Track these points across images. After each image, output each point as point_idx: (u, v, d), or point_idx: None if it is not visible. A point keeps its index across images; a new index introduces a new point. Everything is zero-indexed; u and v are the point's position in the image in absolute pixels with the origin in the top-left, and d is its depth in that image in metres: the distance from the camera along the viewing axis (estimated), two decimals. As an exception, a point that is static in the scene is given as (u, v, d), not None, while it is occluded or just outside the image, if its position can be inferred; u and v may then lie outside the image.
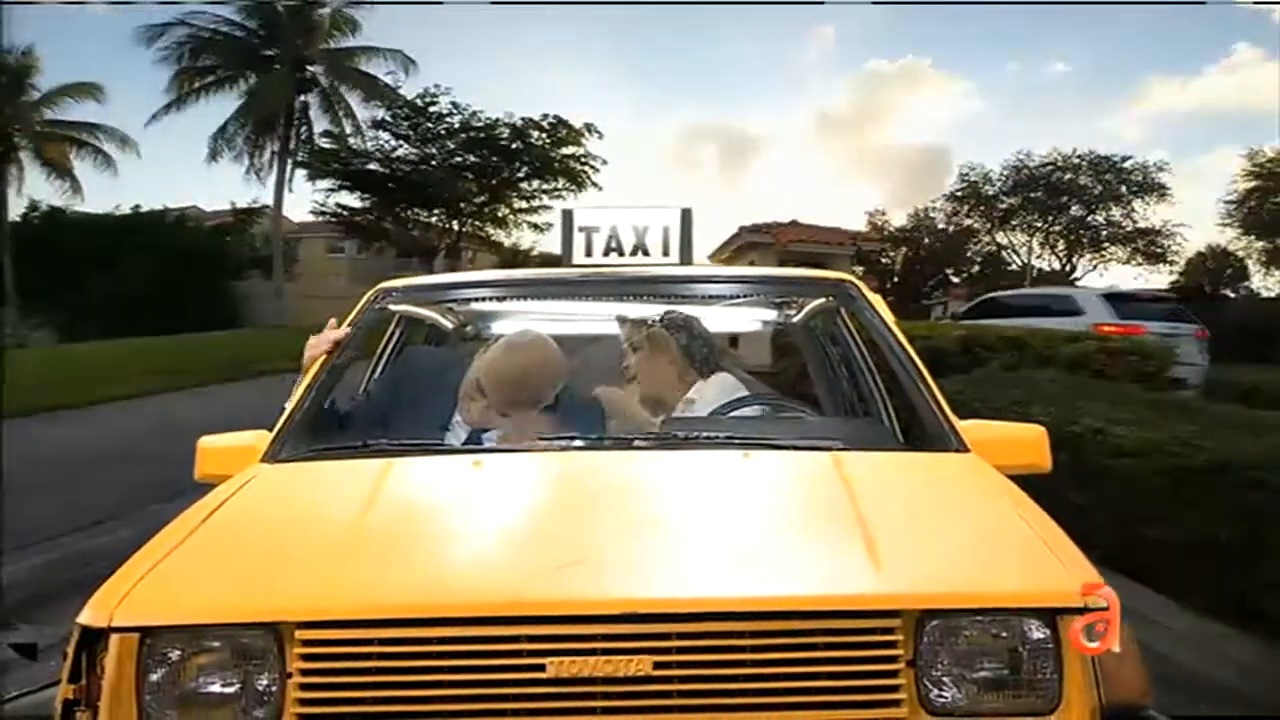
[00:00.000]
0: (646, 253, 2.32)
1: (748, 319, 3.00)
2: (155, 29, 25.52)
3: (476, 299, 2.51)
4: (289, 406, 1.99)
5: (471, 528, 1.51)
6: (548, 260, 31.13)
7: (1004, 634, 1.24)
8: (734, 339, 4.76)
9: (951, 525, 1.50)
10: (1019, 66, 51.82)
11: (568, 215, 2.34)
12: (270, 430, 1.93)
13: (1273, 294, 27.00)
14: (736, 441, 1.82)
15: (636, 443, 1.93)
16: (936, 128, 58.79)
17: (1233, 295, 28.69)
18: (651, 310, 2.42)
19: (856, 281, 2.34)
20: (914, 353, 2.04)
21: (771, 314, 2.91)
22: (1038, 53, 52.33)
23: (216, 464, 1.91)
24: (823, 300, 2.53)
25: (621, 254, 2.32)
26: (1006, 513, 1.48)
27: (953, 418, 1.88)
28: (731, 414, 2.13)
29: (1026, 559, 1.31)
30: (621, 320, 2.44)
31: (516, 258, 31.62)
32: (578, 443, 1.91)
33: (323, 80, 27.64)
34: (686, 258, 2.34)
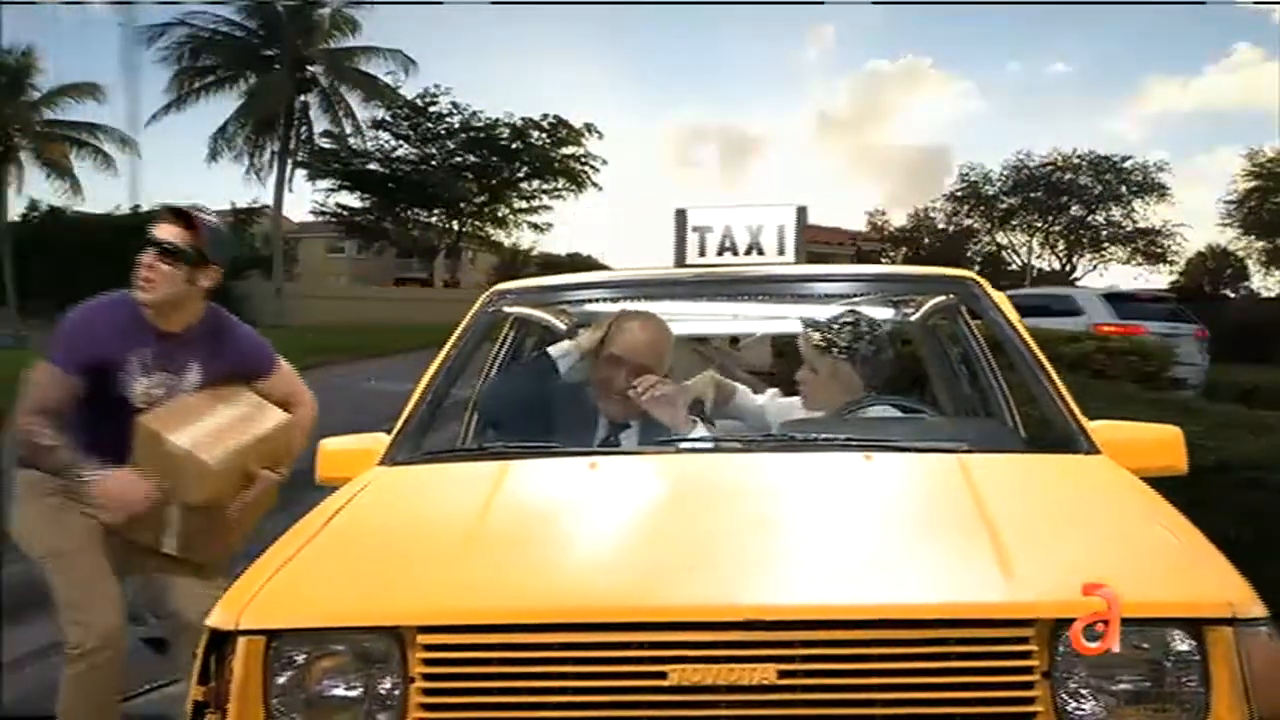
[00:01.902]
0: (761, 252, 2.26)
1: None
2: (155, 29, 25.60)
3: (592, 300, 2.49)
4: (406, 410, 1.98)
5: (590, 531, 1.50)
6: (548, 261, 31.17)
7: (1145, 645, 1.18)
8: (734, 339, 4.71)
9: (1085, 530, 1.43)
10: (1019, 66, 52.24)
11: (681, 214, 2.30)
12: (388, 433, 1.94)
13: (1273, 294, 27.13)
14: (856, 443, 1.77)
15: (755, 444, 1.90)
16: (936, 128, 59.24)
17: (1233, 295, 28.75)
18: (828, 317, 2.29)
19: (980, 280, 2.28)
20: (1040, 352, 2.00)
21: (889, 312, 2.78)
22: (1038, 53, 52.87)
23: (336, 467, 1.90)
24: (943, 298, 2.47)
25: (735, 254, 2.27)
26: (1143, 517, 1.42)
27: (1082, 418, 1.83)
28: (850, 414, 2.09)
29: (1168, 566, 1.25)
30: (809, 325, 2.28)
31: (516, 258, 31.66)
32: (695, 444, 1.89)
33: (323, 80, 27.63)
34: (802, 257, 2.29)
